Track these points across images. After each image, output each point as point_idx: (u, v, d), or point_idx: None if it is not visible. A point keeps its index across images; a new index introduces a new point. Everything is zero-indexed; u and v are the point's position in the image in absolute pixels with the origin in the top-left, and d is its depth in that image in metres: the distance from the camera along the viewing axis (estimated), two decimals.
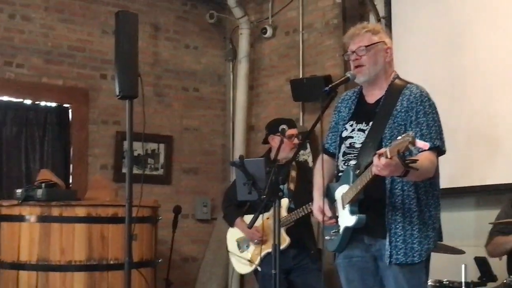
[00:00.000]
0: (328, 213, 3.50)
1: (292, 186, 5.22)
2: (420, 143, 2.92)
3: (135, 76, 4.57)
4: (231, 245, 5.45)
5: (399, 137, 2.99)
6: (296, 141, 5.22)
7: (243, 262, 5.32)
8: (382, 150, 3.05)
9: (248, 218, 4.85)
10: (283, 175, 4.86)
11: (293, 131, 5.27)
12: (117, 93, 4.64)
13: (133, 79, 4.56)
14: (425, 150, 3.07)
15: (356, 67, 3.52)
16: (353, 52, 3.52)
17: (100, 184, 6.10)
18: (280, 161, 4.92)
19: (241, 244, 5.38)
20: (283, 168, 4.69)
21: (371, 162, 3.20)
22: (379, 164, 3.06)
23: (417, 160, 3.05)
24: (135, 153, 6.74)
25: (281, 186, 5.08)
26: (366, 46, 3.50)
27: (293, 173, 5.28)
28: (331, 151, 3.69)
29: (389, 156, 3.00)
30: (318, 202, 3.58)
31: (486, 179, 5.44)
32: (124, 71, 4.57)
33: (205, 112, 7.81)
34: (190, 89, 7.73)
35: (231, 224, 5.44)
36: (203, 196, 7.68)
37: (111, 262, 5.33)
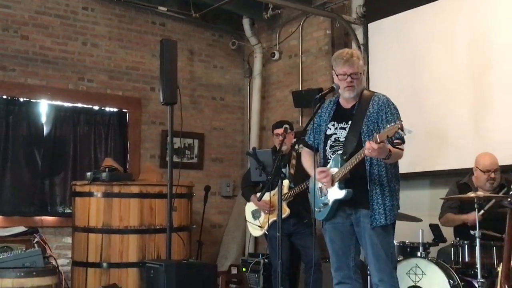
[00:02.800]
0: (328, 172, 3.44)
1: (292, 171, 5.21)
2: (407, 129, 3.00)
3: (174, 88, 4.60)
4: (248, 215, 5.45)
5: (388, 126, 3.06)
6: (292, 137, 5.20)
7: (255, 227, 5.32)
8: (370, 141, 3.12)
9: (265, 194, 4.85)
10: (284, 162, 4.89)
11: (279, 130, 5.22)
12: (161, 100, 4.67)
13: (173, 90, 4.59)
14: (401, 138, 3.13)
15: (349, 86, 3.49)
16: (349, 75, 3.47)
17: (149, 169, 6.13)
18: (283, 152, 4.92)
19: (255, 214, 5.38)
20: (285, 157, 4.67)
21: (355, 150, 3.30)
22: (371, 147, 3.09)
23: (401, 143, 3.14)
24: (175, 146, 6.75)
25: (284, 171, 5.14)
26: (360, 73, 3.51)
27: (293, 161, 5.27)
28: (309, 143, 3.69)
29: (379, 141, 3.05)
30: (318, 170, 3.49)
31: (437, 165, 5.44)
32: (166, 84, 4.60)
33: (228, 116, 7.80)
34: (217, 98, 7.72)
35: (248, 199, 5.44)
36: (227, 179, 7.66)
37: (158, 227, 5.36)
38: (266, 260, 5.70)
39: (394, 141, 3.05)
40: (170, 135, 4.73)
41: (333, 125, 3.58)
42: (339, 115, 3.59)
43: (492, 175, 4.60)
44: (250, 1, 6.81)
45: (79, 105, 6.65)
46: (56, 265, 4.56)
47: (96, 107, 6.79)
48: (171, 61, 4.66)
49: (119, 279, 5.17)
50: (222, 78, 7.77)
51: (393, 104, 3.50)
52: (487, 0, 5.23)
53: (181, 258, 5.26)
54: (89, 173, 5.45)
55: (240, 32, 7.69)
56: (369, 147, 3.11)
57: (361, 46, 6.18)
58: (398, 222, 3.57)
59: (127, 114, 6.98)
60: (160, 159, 7.03)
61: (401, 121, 3.04)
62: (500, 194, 4.29)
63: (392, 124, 3.04)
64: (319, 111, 3.67)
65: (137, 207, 5.33)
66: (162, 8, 7.03)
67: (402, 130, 2.96)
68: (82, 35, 6.66)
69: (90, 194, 5.39)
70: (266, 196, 5.03)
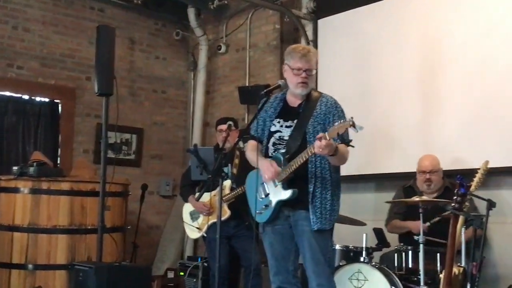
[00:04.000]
0: (276, 166, 3.42)
1: (235, 171, 5.20)
2: (358, 126, 3.03)
3: (111, 78, 4.53)
4: (185, 216, 5.41)
5: (337, 123, 3.09)
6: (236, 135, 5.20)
7: (193, 229, 5.29)
8: (321, 134, 3.13)
9: (205, 195, 4.82)
10: (227, 160, 4.89)
11: (223, 126, 5.21)
12: (96, 91, 4.59)
13: (109, 80, 4.52)
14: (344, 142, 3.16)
15: (302, 82, 3.50)
16: (304, 70, 3.48)
17: (82, 165, 6.03)
18: (226, 150, 4.91)
19: (193, 216, 5.34)
20: (227, 155, 4.67)
21: (298, 150, 3.33)
22: (321, 145, 3.11)
23: (351, 140, 3.17)
24: (111, 141, 6.62)
25: (226, 170, 5.14)
26: (314, 71, 3.53)
27: (236, 161, 5.25)
28: (256, 135, 3.66)
29: (328, 139, 3.08)
30: (266, 161, 3.47)
31: (384, 169, 5.53)
32: (102, 73, 4.53)
33: (170, 110, 7.73)
34: (159, 92, 7.64)
35: (185, 200, 5.40)
36: (167, 177, 7.59)
37: (89, 227, 5.29)
38: (205, 264, 5.68)
39: (347, 141, 3.10)
40: (104, 128, 4.65)
41: (278, 122, 3.58)
42: (285, 112, 3.60)
43: (427, 176, 4.74)
44: None
45: (7, 93, 6.47)
46: None
47: (25, 97, 6.61)
48: (108, 49, 4.58)
49: (45, 282, 5.09)
50: (164, 70, 7.70)
51: (340, 106, 3.55)
52: (438, 3, 5.35)
53: (113, 260, 5.18)
54: (15, 167, 5.33)
55: (184, 22, 7.63)
56: (319, 145, 3.11)
57: (310, 42, 6.23)
58: (342, 226, 3.64)
59: (60, 104, 6.83)
60: (94, 154, 6.89)
61: (352, 118, 3.07)
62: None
63: (343, 120, 3.07)
64: (265, 105, 3.67)
65: (67, 205, 5.25)
66: None
67: (354, 127, 2.99)
68: (13, 18, 6.47)
69: (16, 190, 5.28)
70: (206, 197, 5.03)
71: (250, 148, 3.71)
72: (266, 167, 3.44)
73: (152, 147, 7.53)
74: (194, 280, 5.69)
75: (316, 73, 3.90)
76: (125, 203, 5.79)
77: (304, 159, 3.30)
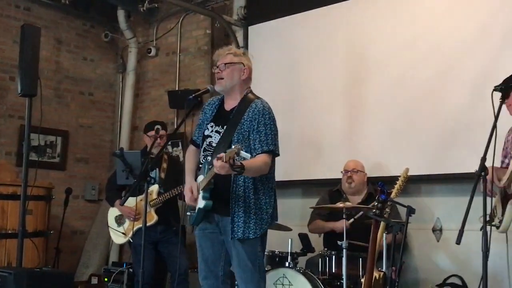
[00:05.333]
0: (195, 192, 3.49)
1: (162, 175, 5.20)
2: (243, 154, 3.04)
3: (35, 79, 4.42)
4: (111, 221, 5.34)
5: (232, 147, 3.08)
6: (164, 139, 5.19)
7: (119, 234, 5.23)
8: (221, 155, 3.08)
9: (131, 199, 4.78)
10: (153, 165, 4.89)
11: (151, 132, 5.22)
12: (19, 91, 4.48)
13: (33, 81, 4.41)
14: (244, 159, 3.14)
15: (218, 79, 3.55)
16: (217, 67, 3.56)
17: (3, 168, 5.85)
18: (153, 154, 4.91)
19: (119, 220, 5.29)
20: (155, 159, 4.66)
21: None
22: (216, 165, 3.12)
23: (243, 165, 3.12)
24: (35, 143, 6.53)
25: (154, 175, 5.12)
26: (226, 64, 3.53)
27: (164, 165, 5.26)
28: (197, 142, 3.67)
29: (224, 161, 3.06)
30: (189, 183, 3.56)
31: (311, 175, 5.64)
32: (25, 74, 4.41)
33: (97, 113, 7.62)
34: (86, 94, 7.51)
35: (111, 204, 5.34)
36: (92, 181, 7.46)
37: (9, 232, 5.16)
38: (131, 270, 5.62)
39: (235, 166, 3.09)
40: (27, 130, 4.53)
41: (212, 126, 3.57)
42: (219, 116, 3.60)
43: (349, 174, 4.94)
44: None
45: None
46: None
47: None
48: (32, 49, 4.46)
49: None
50: (92, 72, 7.58)
51: (269, 114, 3.49)
52: (364, 15, 5.49)
53: (35, 266, 5.06)
54: None
55: (114, 24, 7.54)
56: (215, 165, 3.13)
57: (240, 48, 6.28)
58: (268, 231, 3.63)
59: None
60: (17, 156, 6.68)
61: (240, 146, 3.08)
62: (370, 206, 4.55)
63: (234, 146, 3.07)
64: (206, 107, 3.68)
65: None
66: None
67: (238, 155, 3.03)
68: None
69: None
70: (133, 202, 4.98)
71: (187, 154, 3.73)
72: (186, 190, 3.55)
73: (78, 150, 7.39)
74: (119, 286, 5.63)
75: None
76: (48, 207, 5.67)
77: (213, 173, 3.27)
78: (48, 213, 5.67)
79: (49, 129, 6.75)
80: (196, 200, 3.50)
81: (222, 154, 3.07)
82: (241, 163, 3.12)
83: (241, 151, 3.03)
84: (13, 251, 5.02)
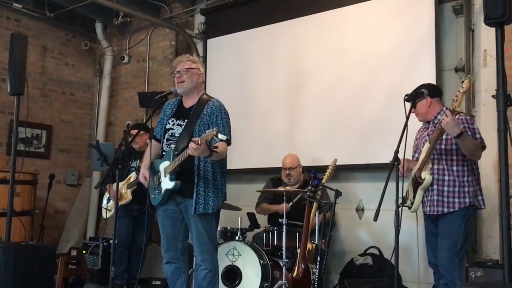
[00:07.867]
0: (148, 179, 3.55)
1: (141, 164, 5.17)
2: (221, 136, 3.08)
3: (22, 80, 4.32)
4: (104, 201, 5.29)
5: (207, 131, 3.11)
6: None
7: (104, 211, 5.22)
8: (196, 139, 3.13)
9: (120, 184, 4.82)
10: (137, 156, 5.09)
11: (134, 131, 5.15)
12: (9, 91, 4.37)
13: (20, 82, 4.31)
14: (222, 141, 3.20)
15: (179, 82, 3.55)
16: (178, 72, 3.56)
17: None
18: (136, 149, 5.07)
19: (107, 200, 5.25)
20: (136, 152, 4.96)
21: (186, 146, 3.29)
22: (192, 147, 3.14)
23: (218, 146, 3.19)
24: (23, 136, 6.37)
25: (135, 164, 5.14)
26: (187, 69, 3.55)
27: None
28: (157, 137, 3.67)
29: (199, 143, 3.09)
30: (143, 173, 3.60)
31: (257, 164, 5.65)
32: (14, 75, 4.31)
33: (77, 110, 7.46)
34: (68, 94, 7.35)
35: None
36: (73, 169, 7.32)
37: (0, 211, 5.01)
38: (105, 244, 5.55)
39: (212, 146, 3.13)
40: (15, 124, 4.42)
41: (173, 121, 3.58)
42: (179, 112, 3.61)
43: (287, 171, 4.93)
44: (102, 7, 6.58)
45: None
46: None
47: None
48: (20, 54, 4.35)
49: None
50: (73, 75, 7.42)
51: (225, 110, 3.54)
52: (302, 30, 5.55)
53: (22, 240, 4.94)
54: None
55: (92, 35, 7.41)
56: (191, 147, 3.16)
57: (200, 58, 6.26)
58: (221, 211, 3.64)
59: None
60: (7, 147, 6.49)
61: (217, 129, 3.11)
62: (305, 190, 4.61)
63: (210, 130, 3.12)
64: (165, 107, 3.69)
65: None
66: (17, 5, 6.54)
67: (217, 136, 3.06)
68: None
69: None
70: (119, 186, 4.92)
71: (148, 149, 3.70)
72: (141, 177, 3.62)
73: (60, 142, 7.22)
74: (95, 257, 5.56)
75: (205, 84, 3.96)
76: (34, 190, 5.54)
77: (185, 156, 3.30)
78: (34, 195, 5.55)
79: (35, 124, 6.63)
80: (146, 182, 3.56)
81: (197, 138, 3.12)
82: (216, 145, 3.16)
83: (219, 134, 3.05)
84: (2, 228, 4.86)
